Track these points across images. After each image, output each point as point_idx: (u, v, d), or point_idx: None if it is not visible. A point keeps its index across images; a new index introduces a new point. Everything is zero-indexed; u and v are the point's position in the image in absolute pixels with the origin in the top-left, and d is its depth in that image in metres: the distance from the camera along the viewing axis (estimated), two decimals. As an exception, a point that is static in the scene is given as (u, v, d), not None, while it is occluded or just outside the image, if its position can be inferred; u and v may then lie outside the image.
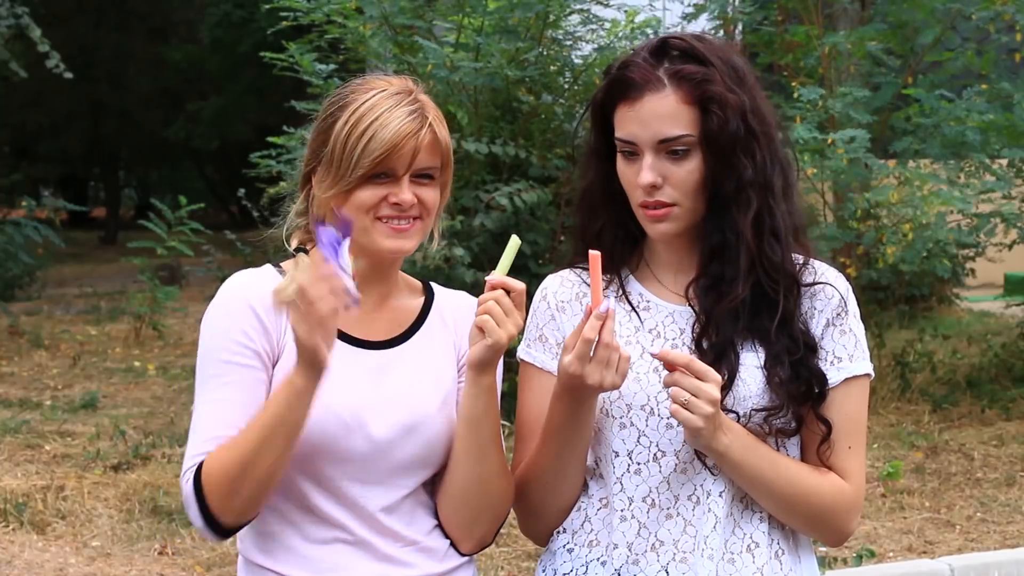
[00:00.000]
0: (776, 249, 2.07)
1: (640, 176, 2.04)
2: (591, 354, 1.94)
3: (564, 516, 2.16)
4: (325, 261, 1.91)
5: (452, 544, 2.18)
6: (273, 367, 2.07)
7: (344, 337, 2.10)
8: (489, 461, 2.12)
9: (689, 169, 2.04)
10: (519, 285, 2.05)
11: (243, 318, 2.06)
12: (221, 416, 2.03)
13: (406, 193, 2.08)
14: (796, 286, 2.09)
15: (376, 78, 2.15)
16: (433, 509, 2.18)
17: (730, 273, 2.05)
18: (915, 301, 11.74)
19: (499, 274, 2.05)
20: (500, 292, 2.04)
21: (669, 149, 2.03)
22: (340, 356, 2.09)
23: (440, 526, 2.18)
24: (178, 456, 6.97)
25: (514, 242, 2.09)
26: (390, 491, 2.11)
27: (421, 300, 2.24)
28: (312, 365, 1.94)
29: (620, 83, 2.07)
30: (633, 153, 2.06)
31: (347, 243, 1.93)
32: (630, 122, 2.05)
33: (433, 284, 2.29)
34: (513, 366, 2.24)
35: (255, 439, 1.97)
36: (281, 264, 2.17)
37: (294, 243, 2.19)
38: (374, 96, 2.09)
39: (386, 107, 2.07)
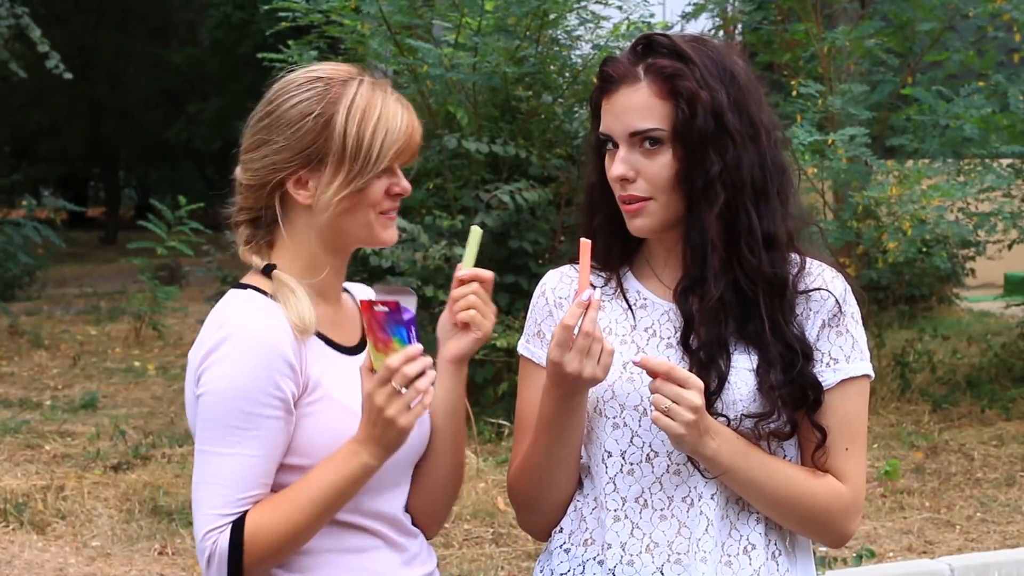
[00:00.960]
0: (755, 250, 2.05)
1: (612, 168, 2.06)
2: (572, 342, 1.93)
3: (559, 512, 2.16)
4: (409, 340, 1.91)
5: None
6: (297, 401, 2.00)
7: (333, 345, 2.08)
8: (462, 446, 2.17)
9: (662, 163, 2.04)
10: (489, 274, 2.09)
11: (274, 366, 1.95)
12: (251, 473, 1.96)
13: (406, 182, 2.08)
14: (781, 290, 2.07)
15: (324, 65, 2.09)
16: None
17: (705, 274, 2.05)
18: (915, 301, 11.74)
19: (468, 266, 2.07)
20: (476, 285, 2.07)
21: (641, 142, 2.04)
22: (343, 367, 2.07)
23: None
24: (178, 456, 6.97)
25: (475, 233, 2.11)
26: (402, 490, 2.13)
27: (348, 296, 2.22)
28: (395, 447, 1.94)
29: (602, 79, 2.09)
30: (614, 146, 2.07)
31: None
32: (607, 115, 2.07)
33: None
34: (513, 366, 2.25)
35: (313, 511, 1.95)
36: (257, 286, 2.05)
37: (254, 258, 2.09)
38: (358, 86, 2.05)
39: (380, 98, 2.04)
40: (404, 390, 1.90)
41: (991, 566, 5.09)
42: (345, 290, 2.21)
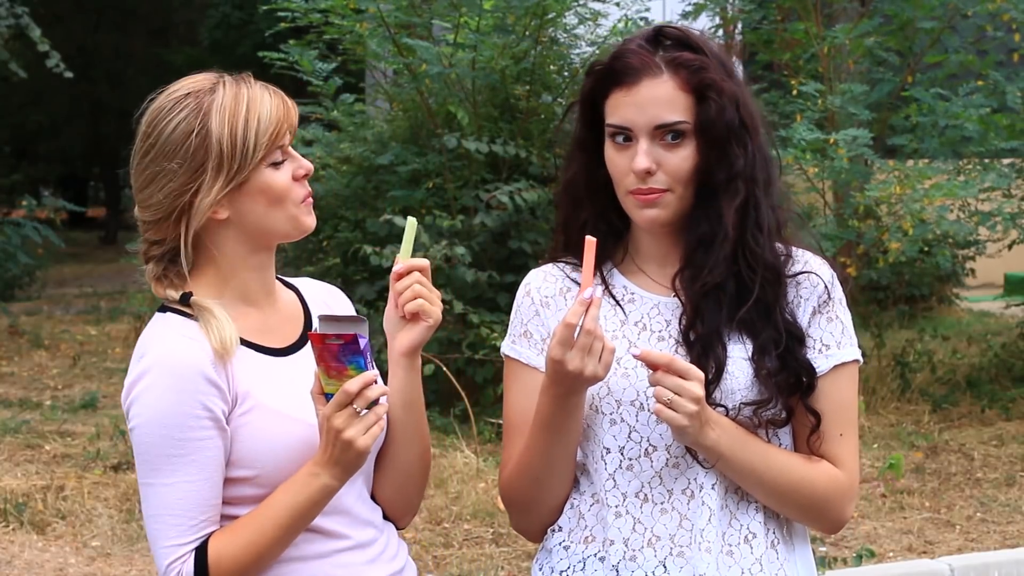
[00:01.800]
0: (759, 239, 2.07)
1: (635, 161, 2.04)
2: (574, 340, 1.93)
3: (556, 513, 2.16)
4: (366, 367, 1.91)
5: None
6: (228, 416, 2.00)
7: (263, 350, 2.07)
8: (425, 436, 2.18)
9: (683, 156, 2.04)
10: (425, 263, 2.10)
11: (196, 388, 1.96)
12: (197, 498, 1.97)
13: (306, 160, 2.08)
14: (778, 277, 2.09)
15: (184, 81, 2.11)
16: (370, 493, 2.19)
17: (711, 262, 2.06)
18: (915, 301, 11.74)
19: (405, 258, 2.09)
20: (417, 274, 2.08)
21: (664, 135, 2.04)
22: (275, 371, 2.06)
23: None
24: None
25: (411, 224, 2.11)
26: (356, 483, 2.11)
27: (293, 294, 2.20)
28: (354, 468, 1.96)
29: (615, 70, 2.06)
30: (627, 139, 2.06)
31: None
32: (626, 107, 2.05)
33: (282, 277, 2.24)
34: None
35: (275, 534, 1.97)
36: (178, 308, 2.05)
37: (170, 291, 2.06)
38: (223, 89, 2.05)
39: (245, 91, 2.04)
40: (364, 412, 1.92)
41: (991, 566, 5.09)
42: (291, 287, 2.21)
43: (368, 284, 7.48)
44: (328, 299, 2.22)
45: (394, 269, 2.09)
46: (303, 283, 2.24)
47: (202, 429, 1.96)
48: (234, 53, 23.75)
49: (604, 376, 1.97)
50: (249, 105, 2.02)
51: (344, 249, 7.60)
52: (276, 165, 2.04)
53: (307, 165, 2.08)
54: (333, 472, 1.95)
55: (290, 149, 2.07)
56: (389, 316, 2.12)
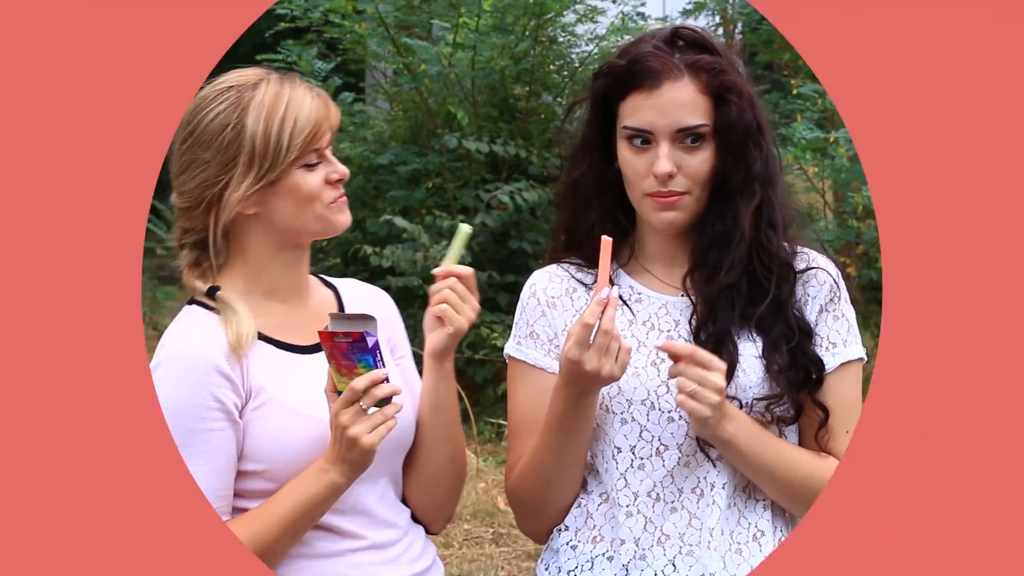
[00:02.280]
0: (773, 239, 2.09)
1: (657, 165, 2.04)
2: (591, 340, 1.93)
3: (564, 513, 2.16)
4: (375, 365, 1.92)
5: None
6: (242, 410, 2.02)
7: (284, 346, 2.08)
8: (456, 440, 2.17)
9: (702, 159, 2.05)
10: (467, 270, 2.11)
11: (208, 380, 1.99)
12: (204, 488, 1.98)
13: (342, 167, 2.09)
14: (791, 273, 2.11)
15: (231, 74, 2.10)
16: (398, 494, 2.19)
17: (727, 263, 2.07)
18: (915, 300, 11.73)
19: (448, 262, 2.11)
20: (453, 280, 2.10)
21: (684, 139, 2.04)
22: (293, 367, 2.07)
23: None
24: (178, 457, 6.95)
25: (463, 230, 2.14)
26: (378, 482, 2.11)
27: (331, 293, 2.21)
28: (362, 466, 1.96)
29: (634, 72, 2.06)
30: (645, 142, 2.06)
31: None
32: (647, 110, 2.05)
33: (324, 276, 2.25)
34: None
35: (282, 528, 1.98)
36: (203, 301, 2.09)
37: (199, 283, 2.10)
38: (266, 86, 2.05)
39: (288, 90, 2.05)
40: (372, 410, 1.92)
41: (992, 565, 5.08)
42: (331, 286, 2.21)
43: (368, 284, 7.47)
44: (370, 301, 2.23)
45: (434, 271, 2.11)
46: (345, 284, 2.25)
47: (213, 420, 1.98)
48: (234, 53, 23.75)
49: (620, 376, 1.97)
50: (288, 105, 2.03)
51: (344, 249, 7.60)
52: (310, 167, 2.05)
53: (342, 170, 2.09)
54: (341, 469, 1.96)
55: (327, 152, 2.08)
56: (427, 316, 2.14)
